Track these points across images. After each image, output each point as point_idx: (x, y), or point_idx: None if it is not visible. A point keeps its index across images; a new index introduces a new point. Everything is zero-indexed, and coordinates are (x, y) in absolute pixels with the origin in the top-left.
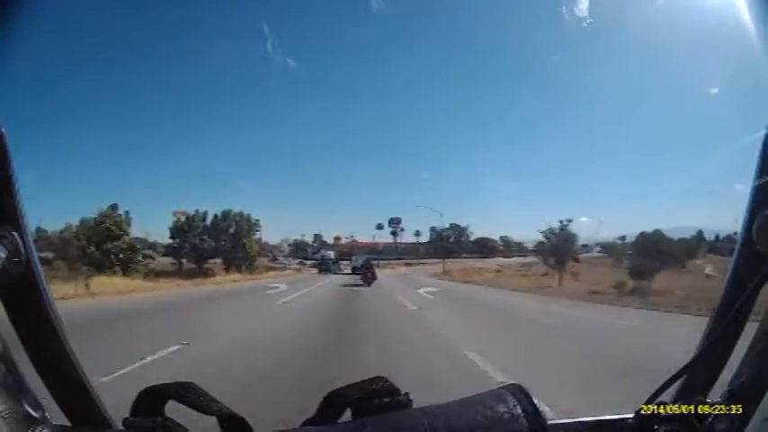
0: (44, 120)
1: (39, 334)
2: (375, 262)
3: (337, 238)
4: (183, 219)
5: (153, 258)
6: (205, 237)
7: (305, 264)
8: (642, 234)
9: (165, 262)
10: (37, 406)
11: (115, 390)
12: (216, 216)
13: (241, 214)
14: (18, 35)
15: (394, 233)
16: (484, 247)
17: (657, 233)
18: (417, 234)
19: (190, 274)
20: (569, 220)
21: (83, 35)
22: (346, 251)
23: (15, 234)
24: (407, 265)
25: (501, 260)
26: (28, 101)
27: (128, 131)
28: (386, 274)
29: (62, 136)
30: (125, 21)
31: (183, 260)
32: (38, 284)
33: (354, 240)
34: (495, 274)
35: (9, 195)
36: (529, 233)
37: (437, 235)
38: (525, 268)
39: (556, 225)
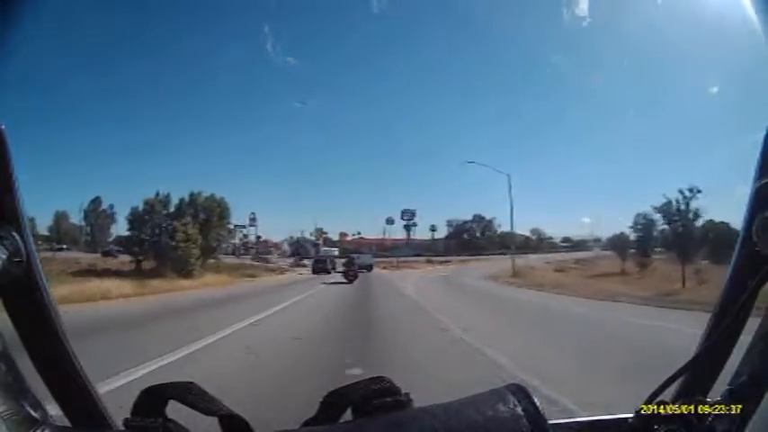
0: (42, 119)
1: (39, 334)
2: (377, 259)
3: (343, 235)
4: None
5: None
6: (167, 226)
7: (302, 263)
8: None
9: (127, 260)
10: (37, 406)
11: None
12: (181, 200)
13: (212, 197)
14: (18, 35)
15: (407, 227)
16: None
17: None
18: (433, 229)
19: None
20: (697, 190)
21: (80, 35)
22: (352, 249)
23: (16, 234)
24: (429, 262)
25: (537, 256)
26: (24, 100)
27: (127, 132)
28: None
29: (59, 135)
30: (124, 22)
31: (142, 257)
32: (38, 285)
33: (361, 237)
34: (558, 275)
35: (9, 195)
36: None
37: (455, 229)
38: (581, 265)
39: (674, 197)
